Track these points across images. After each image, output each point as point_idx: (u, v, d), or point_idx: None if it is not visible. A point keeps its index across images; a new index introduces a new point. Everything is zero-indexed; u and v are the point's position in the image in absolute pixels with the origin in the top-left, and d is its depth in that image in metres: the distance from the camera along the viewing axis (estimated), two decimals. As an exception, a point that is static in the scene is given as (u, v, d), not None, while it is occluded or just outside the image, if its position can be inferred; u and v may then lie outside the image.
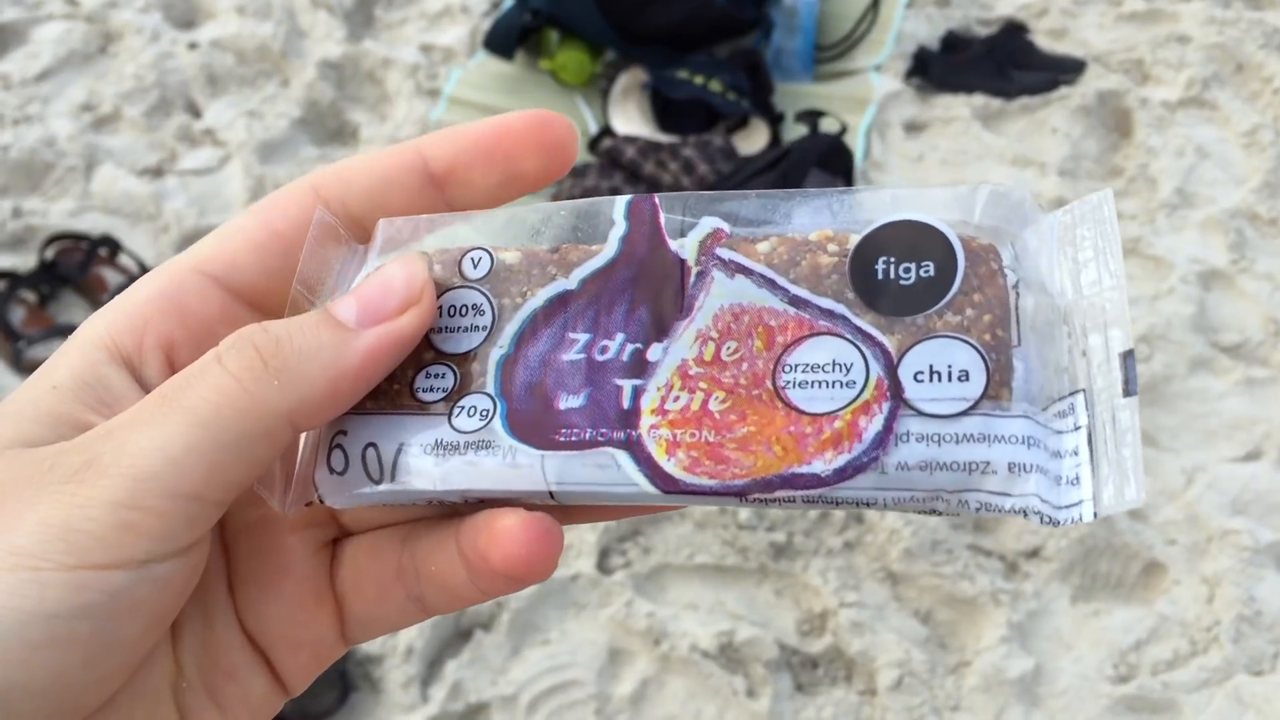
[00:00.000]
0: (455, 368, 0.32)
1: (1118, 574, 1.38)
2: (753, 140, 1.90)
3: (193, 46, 2.08)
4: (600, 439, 0.31)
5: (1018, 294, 0.30)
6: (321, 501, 0.33)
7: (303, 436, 0.33)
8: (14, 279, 1.66)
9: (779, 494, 0.29)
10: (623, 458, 0.30)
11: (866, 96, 1.99)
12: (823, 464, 0.29)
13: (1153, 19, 2.14)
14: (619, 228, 0.32)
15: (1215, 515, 1.41)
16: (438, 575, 0.33)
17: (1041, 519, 0.29)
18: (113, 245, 1.71)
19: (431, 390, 0.32)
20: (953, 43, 2.10)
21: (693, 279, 0.32)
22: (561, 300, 0.32)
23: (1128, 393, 0.28)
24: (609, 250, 0.32)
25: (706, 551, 1.38)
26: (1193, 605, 1.34)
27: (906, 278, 0.30)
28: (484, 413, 0.32)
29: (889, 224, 0.31)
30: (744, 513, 1.39)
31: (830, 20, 2.11)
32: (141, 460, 0.27)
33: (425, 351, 0.33)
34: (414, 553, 0.34)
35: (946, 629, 1.35)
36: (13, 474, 0.28)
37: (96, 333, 0.31)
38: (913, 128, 1.98)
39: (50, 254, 1.70)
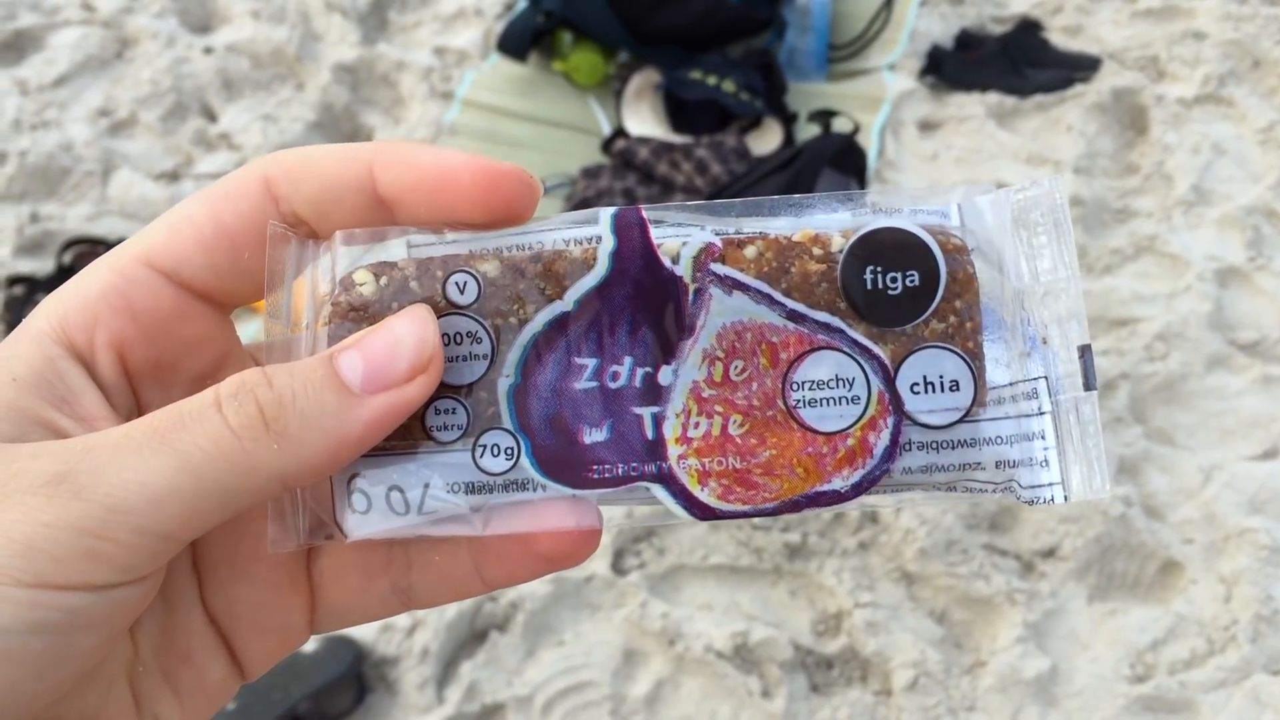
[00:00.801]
0: (464, 401, 0.32)
1: (1134, 573, 1.38)
2: (766, 140, 1.90)
3: (208, 51, 2.09)
4: (633, 474, 0.32)
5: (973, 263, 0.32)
6: (345, 538, 0.32)
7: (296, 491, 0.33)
8: (32, 283, 1.67)
9: (805, 511, 0.32)
10: (659, 491, 0.32)
11: (880, 95, 1.99)
12: (841, 481, 0.32)
13: (1168, 15, 2.13)
14: (607, 243, 0.32)
15: (1233, 514, 1.40)
16: (439, 566, 0.33)
17: (1018, 499, 0.32)
18: (130, 249, 1.72)
19: (446, 428, 0.32)
20: (967, 41, 2.09)
21: (691, 297, 0.32)
22: (560, 323, 0.32)
23: (1088, 387, 0.31)
24: (600, 268, 0.32)
25: (721, 552, 1.38)
26: (1210, 604, 1.34)
27: (894, 287, 0.32)
28: (509, 451, 0.32)
29: (872, 232, 0.32)
30: (758, 513, 1.39)
31: (843, 19, 2.11)
32: (119, 491, 0.27)
33: None
34: (407, 546, 0.34)
35: (962, 629, 1.35)
36: None
37: (51, 325, 0.31)
38: (927, 126, 1.98)
39: (68, 258, 1.72)
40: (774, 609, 1.35)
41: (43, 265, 1.74)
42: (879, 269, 0.32)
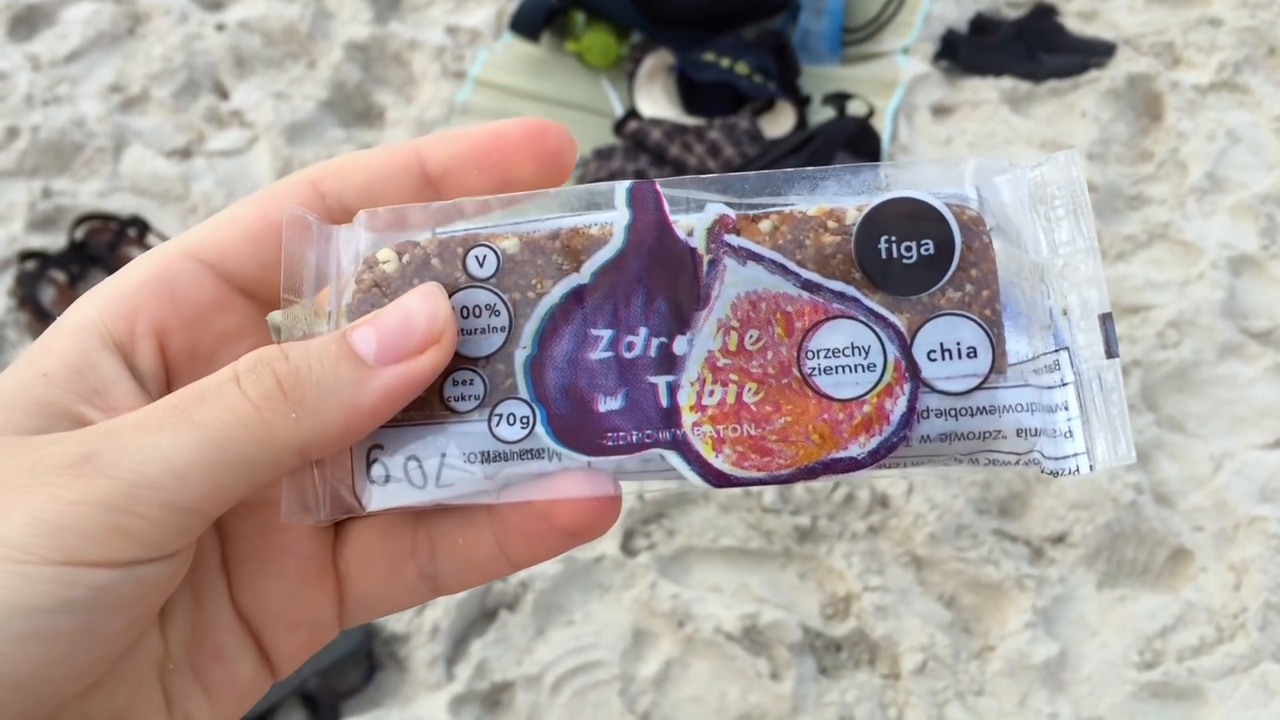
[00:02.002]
0: (481, 372, 0.32)
1: (1144, 560, 1.38)
2: (779, 123, 1.90)
3: (220, 28, 2.08)
4: (647, 440, 0.32)
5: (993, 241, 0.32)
6: (363, 509, 0.33)
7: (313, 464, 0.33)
8: (44, 259, 1.67)
9: (821, 479, 0.32)
10: (673, 457, 0.32)
11: (894, 79, 1.98)
12: (858, 448, 0.32)
13: (1184, 1, 2.12)
14: (623, 216, 0.32)
15: (1243, 502, 1.40)
16: (464, 549, 0.33)
17: (1042, 470, 0.32)
18: (142, 226, 1.72)
19: (464, 399, 0.32)
20: (981, 25, 2.08)
21: (705, 268, 0.32)
22: (577, 295, 0.32)
23: (1110, 354, 0.31)
24: (616, 241, 0.32)
25: (731, 534, 1.38)
26: (1219, 592, 1.34)
27: (909, 256, 0.32)
28: (524, 420, 0.32)
29: (886, 202, 0.32)
30: (768, 495, 1.39)
31: (857, 2, 2.10)
32: (143, 467, 0.27)
33: None
34: (431, 531, 0.34)
35: (971, 614, 1.35)
36: (3, 461, 0.28)
37: (88, 317, 0.31)
38: (940, 111, 1.97)
39: (80, 234, 1.72)
40: (783, 591, 1.35)
41: (54, 241, 1.74)
42: (893, 238, 0.32)
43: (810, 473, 0.32)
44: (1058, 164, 0.32)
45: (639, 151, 1.84)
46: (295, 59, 2.06)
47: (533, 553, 0.33)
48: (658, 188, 0.32)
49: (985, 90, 1.96)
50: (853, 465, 0.32)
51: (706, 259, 0.32)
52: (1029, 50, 2.01)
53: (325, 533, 0.35)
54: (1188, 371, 1.55)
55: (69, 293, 1.67)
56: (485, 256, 0.33)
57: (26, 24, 2.11)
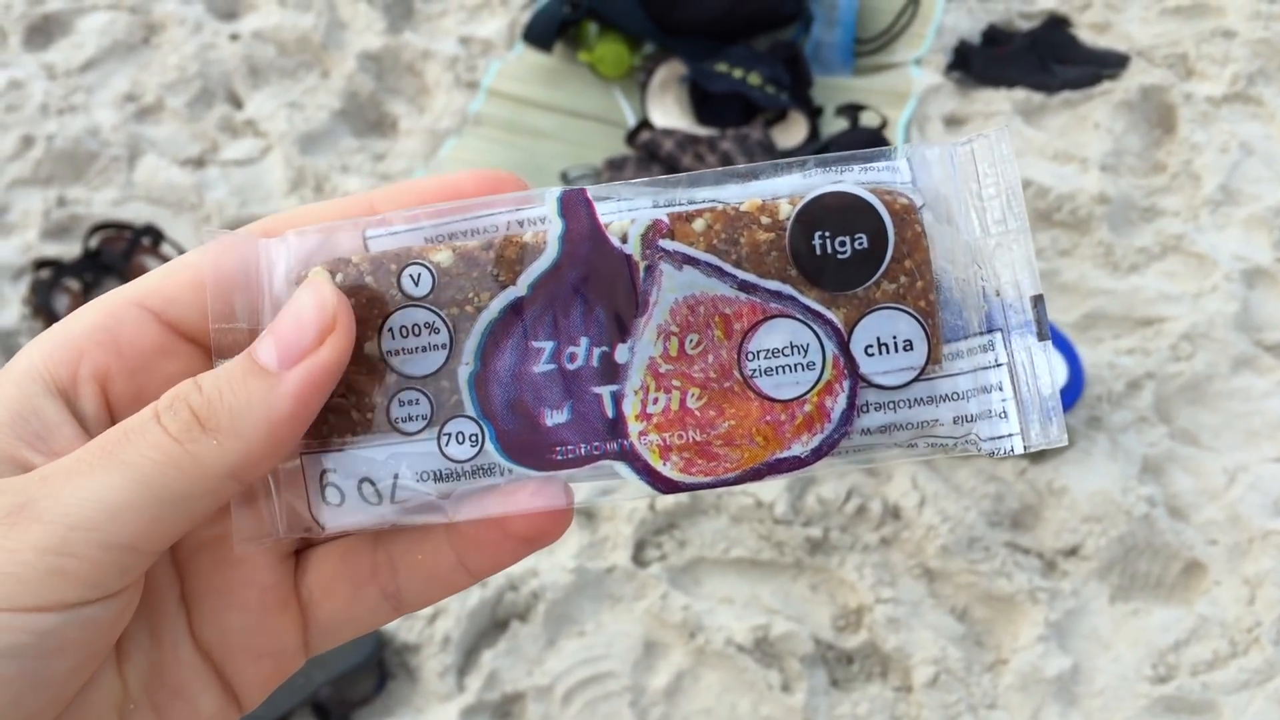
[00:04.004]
0: (425, 391, 0.32)
1: (1157, 573, 1.37)
2: (791, 134, 1.90)
3: (234, 38, 2.09)
4: (596, 453, 0.32)
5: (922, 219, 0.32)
6: (322, 530, 0.33)
7: (269, 482, 0.33)
8: (59, 267, 1.68)
9: (766, 479, 0.32)
10: (621, 468, 0.32)
11: (906, 90, 1.98)
12: (801, 447, 0.32)
13: (1197, 13, 2.12)
14: (555, 226, 0.32)
15: (1257, 516, 1.39)
16: (424, 565, 0.34)
17: (979, 451, 0.33)
18: (156, 235, 1.73)
19: (411, 419, 0.32)
20: (994, 36, 2.08)
21: (642, 274, 0.32)
22: (515, 308, 0.32)
23: (1041, 336, 0.32)
24: (551, 251, 0.32)
25: (742, 545, 1.38)
26: (1233, 606, 1.33)
27: (843, 251, 0.32)
28: (473, 438, 0.32)
29: (817, 197, 0.32)
30: (780, 507, 1.39)
31: (870, 13, 2.10)
32: (76, 510, 0.27)
33: (388, 376, 0.32)
34: (390, 550, 0.34)
35: (983, 627, 1.35)
36: None
37: (32, 363, 0.31)
38: (953, 122, 1.97)
39: (94, 242, 1.72)
40: (795, 603, 1.35)
41: (69, 249, 1.75)
42: (827, 234, 0.32)
43: (756, 474, 0.32)
44: (988, 141, 0.32)
45: (651, 162, 1.84)
46: (309, 69, 2.07)
47: (493, 562, 0.34)
48: (588, 195, 0.32)
49: (998, 101, 1.96)
50: (796, 464, 0.32)
51: (643, 265, 0.32)
52: (1042, 62, 2.01)
53: (285, 562, 0.35)
54: (1201, 384, 1.55)
55: (82, 300, 1.68)
56: (420, 275, 0.32)
57: (42, 33, 2.13)
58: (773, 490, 1.40)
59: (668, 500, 1.38)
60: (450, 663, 1.28)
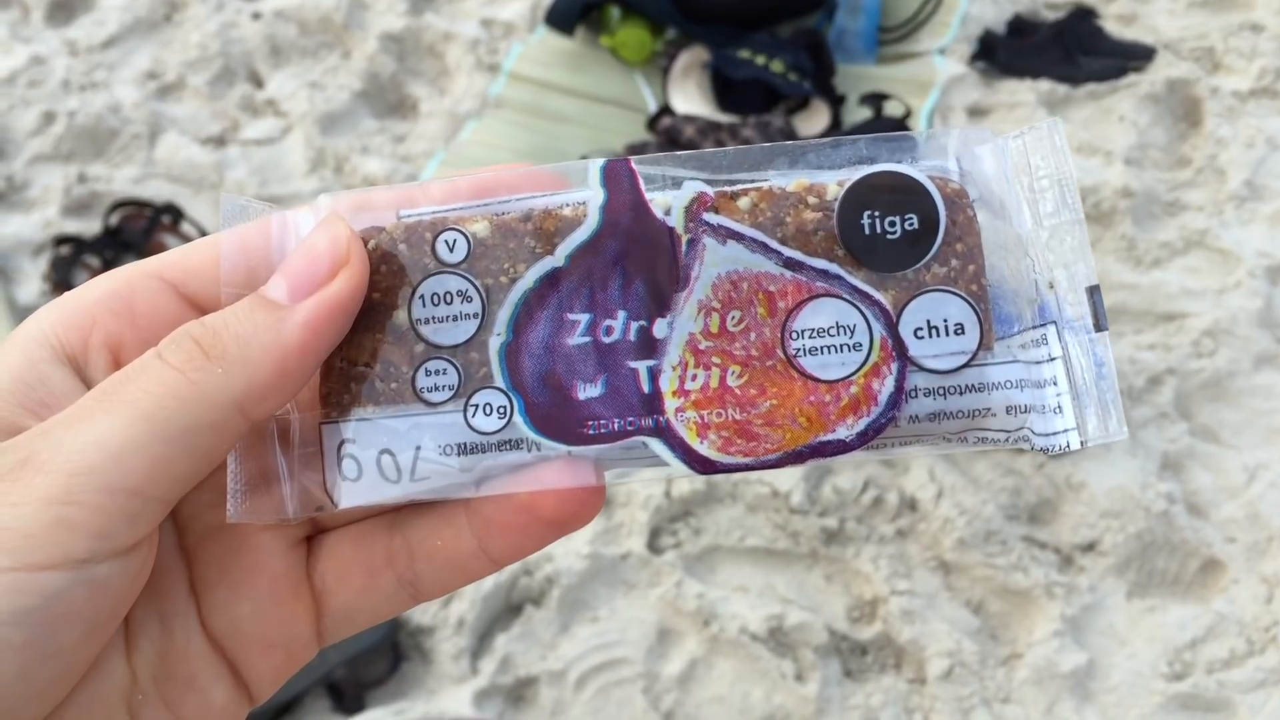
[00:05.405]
0: (454, 361, 0.32)
1: (1175, 570, 1.37)
2: (813, 122, 1.89)
3: (256, 17, 2.09)
4: (629, 428, 0.31)
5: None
6: (335, 507, 0.32)
7: (280, 459, 0.32)
8: (79, 244, 1.68)
9: (809, 462, 0.31)
10: (656, 444, 0.31)
11: (930, 80, 1.97)
12: (846, 430, 0.31)
13: (1225, 6, 2.10)
14: (597, 195, 0.31)
15: (1277, 514, 1.38)
16: (443, 550, 0.32)
17: (1033, 447, 0.31)
18: (176, 213, 1.73)
19: (437, 389, 0.31)
20: (1019, 27, 2.06)
21: (684, 248, 0.31)
22: (552, 279, 0.31)
23: (1099, 328, 0.31)
24: (591, 221, 0.31)
25: (757, 534, 1.38)
26: (1251, 605, 1.32)
27: (892, 231, 0.31)
28: (501, 410, 0.31)
29: (868, 176, 0.31)
30: (796, 496, 1.38)
31: (894, 1, 2.08)
32: (78, 456, 0.26)
33: (416, 345, 0.32)
34: (407, 535, 0.33)
35: (998, 620, 1.34)
36: None
37: (41, 330, 0.31)
38: (976, 112, 1.95)
39: (114, 220, 1.73)
40: (810, 593, 1.35)
41: (89, 226, 1.75)
42: (876, 214, 0.31)
43: (798, 457, 0.31)
44: (1040, 133, 0.32)
45: (672, 148, 1.83)
46: (330, 49, 2.07)
47: (516, 548, 0.32)
48: (633, 165, 0.32)
49: (1022, 92, 1.95)
50: (841, 448, 0.31)
51: (685, 238, 0.31)
52: (1067, 53, 1.99)
53: (296, 548, 0.34)
54: (1223, 381, 1.54)
55: (103, 278, 1.68)
56: (455, 241, 0.32)
57: (65, 9, 2.13)
58: (789, 479, 1.39)
59: (683, 487, 1.38)
60: (464, 646, 1.28)
